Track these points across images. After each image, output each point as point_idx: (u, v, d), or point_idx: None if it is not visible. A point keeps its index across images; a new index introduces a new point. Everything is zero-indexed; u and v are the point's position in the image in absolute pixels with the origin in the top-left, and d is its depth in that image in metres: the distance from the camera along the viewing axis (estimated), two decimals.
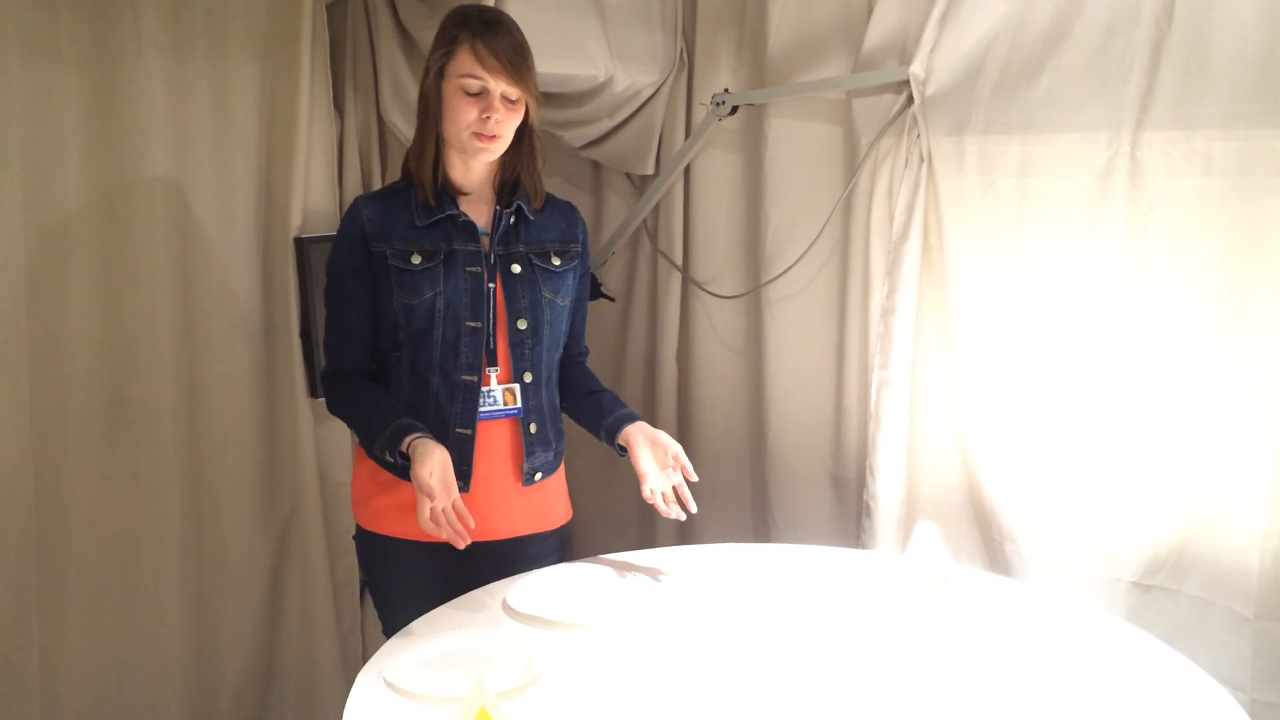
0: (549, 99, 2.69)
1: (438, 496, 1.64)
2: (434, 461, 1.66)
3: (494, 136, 1.75)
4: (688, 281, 2.80)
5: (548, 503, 1.96)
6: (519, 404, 1.84)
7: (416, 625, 1.65)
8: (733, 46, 2.63)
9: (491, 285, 1.82)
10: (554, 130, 2.84)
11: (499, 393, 1.83)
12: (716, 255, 2.75)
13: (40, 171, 2.07)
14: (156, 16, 2.17)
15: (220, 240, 2.34)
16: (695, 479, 1.83)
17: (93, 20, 2.10)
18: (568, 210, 1.96)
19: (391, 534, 1.86)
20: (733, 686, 1.45)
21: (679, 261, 2.80)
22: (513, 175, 1.86)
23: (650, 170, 2.81)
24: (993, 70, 2.11)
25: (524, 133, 1.82)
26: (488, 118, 1.73)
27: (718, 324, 2.77)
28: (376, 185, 2.68)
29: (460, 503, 1.68)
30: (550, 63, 2.48)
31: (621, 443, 1.87)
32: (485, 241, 1.83)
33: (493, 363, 1.82)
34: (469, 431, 1.81)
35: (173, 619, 2.33)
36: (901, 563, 2.00)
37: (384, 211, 1.82)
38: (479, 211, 1.85)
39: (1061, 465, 2.05)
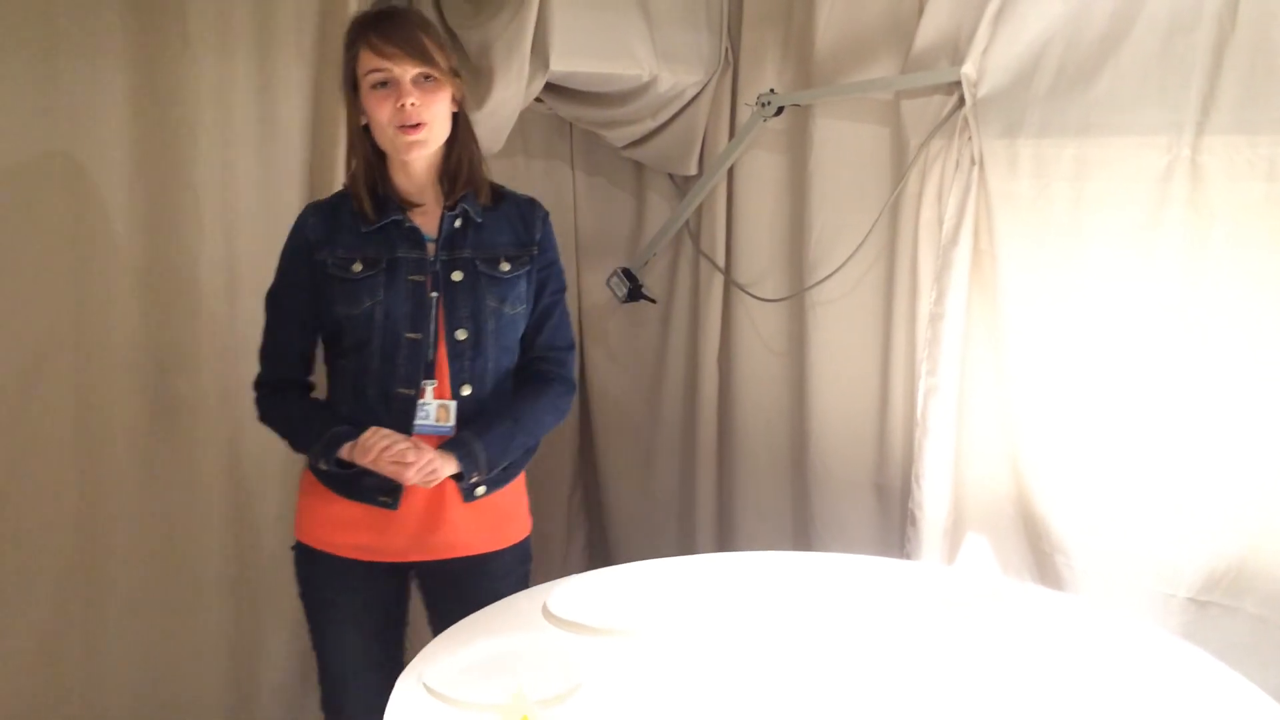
0: (592, 99, 2.68)
1: (386, 440, 1.64)
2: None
3: (417, 125, 1.69)
4: (730, 284, 2.78)
5: (497, 519, 1.87)
6: (450, 421, 1.77)
7: (457, 629, 1.63)
8: (779, 46, 2.60)
9: (435, 294, 1.76)
10: (596, 130, 2.83)
11: (433, 408, 1.76)
12: (760, 257, 2.72)
13: (87, 168, 2.08)
14: (203, 16, 2.17)
15: (264, 238, 2.34)
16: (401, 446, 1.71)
17: (140, 19, 2.11)
18: (527, 209, 1.87)
19: (329, 549, 1.81)
20: (773, 698, 1.42)
21: (721, 263, 2.77)
22: (456, 172, 1.79)
23: (693, 171, 2.79)
24: (1048, 71, 2.06)
25: (457, 123, 1.77)
26: (402, 105, 1.67)
27: (760, 327, 2.74)
28: None
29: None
30: (594, 62, 2.47)
31: None
32: (431, 249, 1.77)
33: (430, 375, 1.76)
34: None
35: (213, 616, 2.34)
36: (948, 574, 1.96)
37: (329, 219, 1.78)
38: (429, 218, 1.79)
39: (1115, 476, 2.00)
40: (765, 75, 2.60)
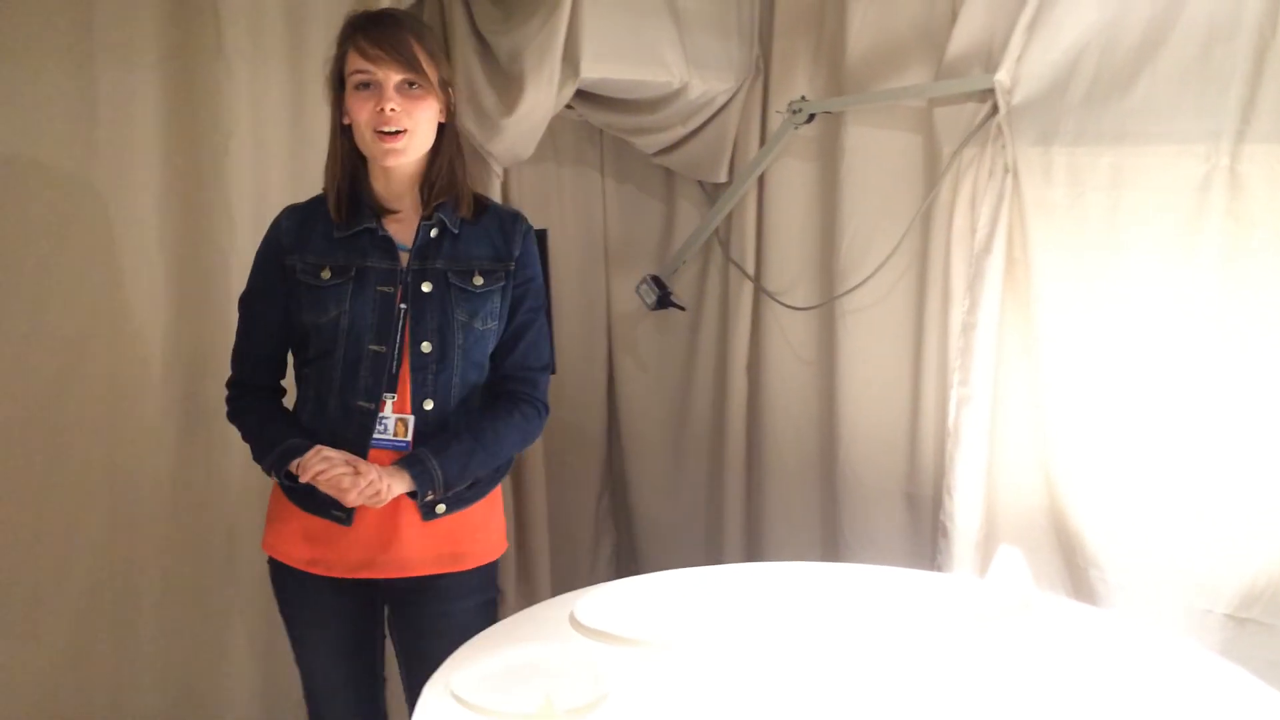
0: (622, 105, 2.68)
1: (324, 463, 1.61)
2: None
3: (397, 133, 1.65)
4: (760, 291, 2.76)
5: (460, 539, 1.79)
6: (408, 436, 1.71)
7: (484, 636, 1.63)
8: (810, 53, 2.59)
9: (404, 306, 1.71)
10: (627, 136, 2.82)
11: (391, 421, 1.71)
12: (790, 265, 2.70)
13: (122, 173, 2.10)
14: (237, 24, 2.19)
15: None
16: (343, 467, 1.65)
17: (175, 25, 2.13)
18: (509, 223, 1.81)
19: (290, 562, 1.78)
20: (801, 712, 1.40)
21: (751, 271, 2.76)
22: (438, 182, 1.74)
23: (723, 178, 2.78)
24: (1083, 78, 2.04)
25: (443, 134, 1.74)
26: (382, 109, 1.64)
27: (790, 335, 2.73)
28: None
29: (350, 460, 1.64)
30: (625, 69, 2.47)
31: None
32: (404, 258, 1.72)
33: (391, 388, 1.71)
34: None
35: (244, 618, 2.34)
36: (980, 587, 1.93)
37: (302, 223, 1.75)
38: (405, 227, 1.74)
39: (1152, 489, 1.97)
40: (796, 82, 2.59)
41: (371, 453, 1.70)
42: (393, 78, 1.65)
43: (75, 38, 2.02)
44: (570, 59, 2.37)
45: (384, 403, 1.71)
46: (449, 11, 2.53)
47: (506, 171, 2.69)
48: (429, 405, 1.72)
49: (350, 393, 1.71)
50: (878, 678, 1.49)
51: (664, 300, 2.88)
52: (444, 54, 1.73)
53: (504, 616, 1.75)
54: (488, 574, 1.83)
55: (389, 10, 1.71)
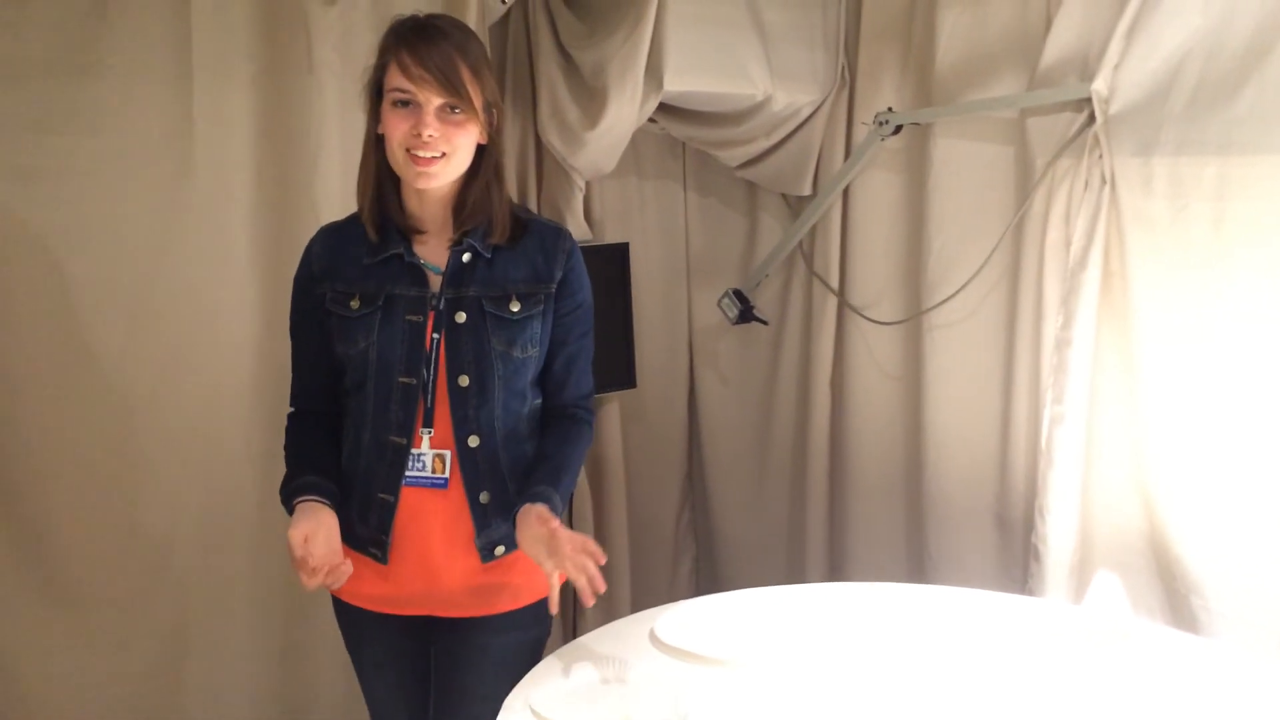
0: (705, 118, 2.67)
1: (304, 554, 1.48)
2: (311, 525, 1.51)
3: (432, 159, 1.53)
4: (844, 306, 2.72)
5: (514, 575, 1.66)
6: (445, 473, 1.60)
7: (564, 652, 1.62)
8: (898, 64, 2.55)
9: (437, 335, 1.60)
10: (709, 149, 2.81)
11: (429, 458, 1.60)
12: (875, 279, 2.66)
13: (215, 188, 2.15)
14: (327, 40, 2.23)
15: None
16: (604, 560, 1.48)
17: (268, 43, 2.18)
18: (551, 240, 1.67)
19: (342, 596, 1.71)
20: None
21: (835, 285, 2.72)
22: (471, 206, 1.62)
23: (807, 191, 2.75)
24: (1185, 87, 1.97)
25: (482, 156, 1.61)
26: (418, 135, 1.52)
27: (875, 350, 2.68)
28: (532, 205, 2.70)
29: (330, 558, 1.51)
30: (708, 81, 2.46)
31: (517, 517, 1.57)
32: (435, 282, 1.61)
33: (428, 423, 1.60)
34: (390, 498, 1.60)
35: (332, 629, 2.36)
36: (1074, 613, 1.87)
37: (335, 247, 1.66)
38: (434, 249, 1.63)
39: (1258, 513, 1.89)
40: (883, 93, 2.56)
41: (405, 490, 1.60)
42: (434, 100, 1.52)
43: (174, 57, 2.08)
44: (654, 72, 2.37)
45: (419, 438, 1.60)
46: (534, 27, 2.56)
47: (589, 185, 2.70)
48: (474, 442, 1.61)
49: (383, 427, 1.61)
50: (964, 707, 1.45)
51: (746, 314, 2.86)
52: (490, 69, 1.60)
53: (583, 631, 1.74)
54: (539, 610, 1.68)
55: (436, 21, 1.57)
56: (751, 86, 2.51)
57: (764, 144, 2.70)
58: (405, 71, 1.52)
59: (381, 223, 1.63)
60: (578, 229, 2.68)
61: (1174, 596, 2.03)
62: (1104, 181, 2.08)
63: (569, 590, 1.57)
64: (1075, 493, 2.15)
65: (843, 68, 2.64)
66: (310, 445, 1.68)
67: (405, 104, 1.53)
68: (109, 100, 2.04)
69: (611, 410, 2.85)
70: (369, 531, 1.63)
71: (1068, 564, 2.16)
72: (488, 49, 2.48)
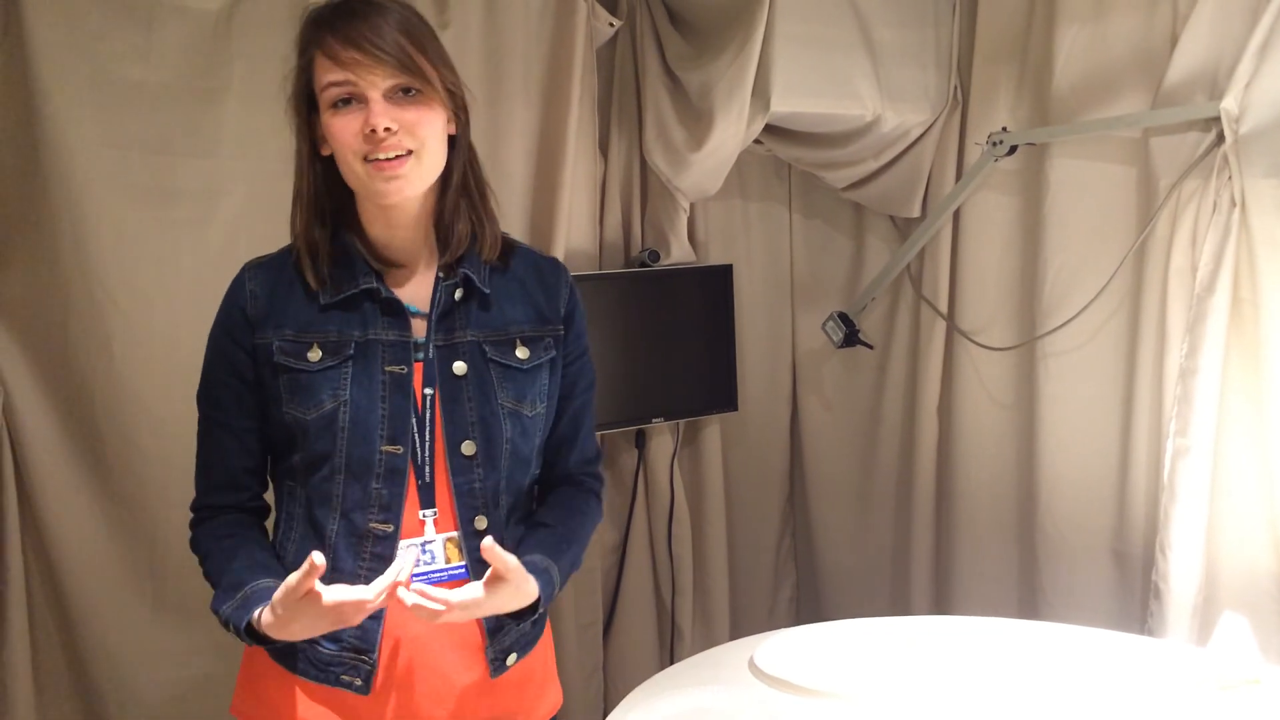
0: (812, 139, 2.64)
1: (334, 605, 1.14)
2: (307, 614, 1.16)
3: (398, 159, 1.22)
4: (953, 330, 2.65)
5: (525, 693, 1.38)
6: (463, 560, 1.30)
7: (659, 679, 1.60)
8: (1013, 83, 2.48)
9: (428, 391, 1.29)
10: (816, 171, 2.79)
11: (439, 546, 1.29)
12: (986, 304, 2.59)
13: None
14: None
15: None
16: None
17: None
18: (549, 272, 1.40)
19: None
20: None
21: (944, 309, 2.66)
22: (453, 220, 1.32)
23: (916, 213, 2.70)
24: None
25: (454, 148, 1.31)
26: (373, 132, 1.21)
27: (985, 377, 2.61)
28: (636, 227, 2.70)
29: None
30: (816, 102, 2.43)
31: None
32: (421, 328, 1.31)
33: (428, 503, 1.29)
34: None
35: None
36: (1199, 656, 1.77)
37: (273, 284, 1.32)
38: (416, 285, 1.33)
39: None
40: (997, 113, 2.49)
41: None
42: (379, 84, 1.22)
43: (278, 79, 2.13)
44: (760, 93, 2.35)
45: (419, 523, 1.29)
46: (641, 49, 2.57)
47: (693, 206, 2.70)
48: (482, 524, 1.31)
49: (360, 513, 1.27)
50: None
51: (851, 338, 2.81)
52: (443, 50, 1.29)
53: (681, 657, 1.72)
54: None
55: None
56: (860, 107, 2.47)
57: (872, 165, 2.66)
58: (334, 58, 1.21)
59: (340, 263, 1.31)
60: (681, 250, 2.67)
61: None
62: (1234, 204, 1.98)
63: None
64: (1200, 529, 2.05)
65: (955, 87, 2.58)
66: (245, 546, 1.30)
67: (346, 101, 1.23)
68: (232, 123, 2.10)
69: (713, 433, 2.83)
70: (342, 651, 1.29)
71: (1191, 604, 2.05)
72: (595, 76, 2.50)
